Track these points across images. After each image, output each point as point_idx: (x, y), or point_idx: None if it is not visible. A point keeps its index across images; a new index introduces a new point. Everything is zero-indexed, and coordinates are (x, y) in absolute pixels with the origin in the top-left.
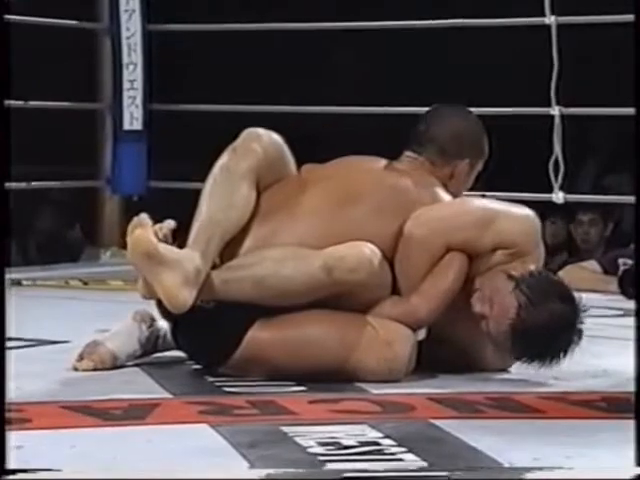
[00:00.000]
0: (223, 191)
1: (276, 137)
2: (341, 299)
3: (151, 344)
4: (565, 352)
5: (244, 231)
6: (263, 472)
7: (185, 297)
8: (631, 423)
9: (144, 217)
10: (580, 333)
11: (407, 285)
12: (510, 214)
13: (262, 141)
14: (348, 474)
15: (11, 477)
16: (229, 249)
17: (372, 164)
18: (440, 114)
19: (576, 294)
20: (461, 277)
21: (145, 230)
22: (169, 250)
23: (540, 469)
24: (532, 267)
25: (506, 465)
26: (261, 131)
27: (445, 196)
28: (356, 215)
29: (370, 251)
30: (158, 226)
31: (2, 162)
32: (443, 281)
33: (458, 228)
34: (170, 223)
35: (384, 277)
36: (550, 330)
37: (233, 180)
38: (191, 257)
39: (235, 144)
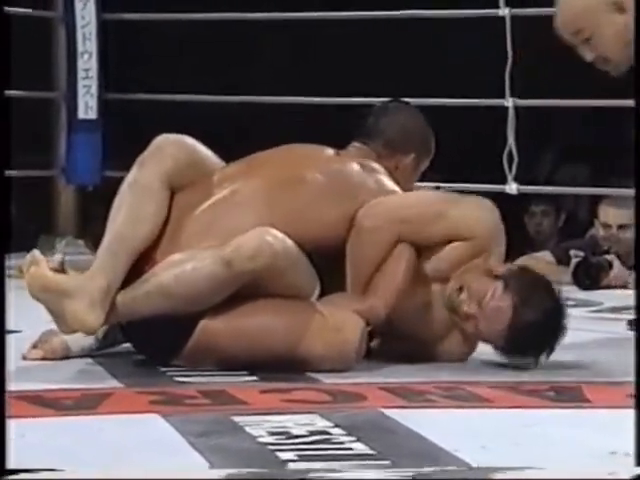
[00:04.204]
0: (130, 207)
1: (186, 142)
2: (259, 288)
3: (110, 340)
4: (553, 345)
5: (182, 226)
6: (223, 472)
7: (93, 319)
8: (579, 412)
9: (36, 253)
10: (565, 326)
11: (356, 274)
12: (463, 203)
13: (170, 149)
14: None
15: (11, 477)
16: (166, 246)
17: (317, 151)
18: (390, 109)
19: (556, 286)
20: (411, 269)
21: (39, 266)
22: (67, 279)
23: (511, 470)
24: (510, 264)
25: (453, 453)
26: (170, 138)
27: (389, 183)
28: (298, 200)
29: (269, 235)
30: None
31: (2, 153)
32: (396, 278)
33: (409, 219)
34: (58, 257)
35: (294, 258)
36: (544, 326)
37: (141, 194)
38: (93, 279)
39: (142, 157)
